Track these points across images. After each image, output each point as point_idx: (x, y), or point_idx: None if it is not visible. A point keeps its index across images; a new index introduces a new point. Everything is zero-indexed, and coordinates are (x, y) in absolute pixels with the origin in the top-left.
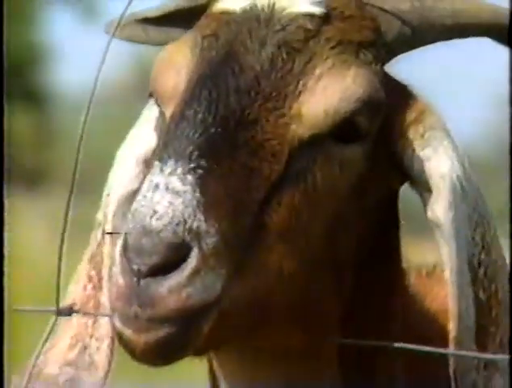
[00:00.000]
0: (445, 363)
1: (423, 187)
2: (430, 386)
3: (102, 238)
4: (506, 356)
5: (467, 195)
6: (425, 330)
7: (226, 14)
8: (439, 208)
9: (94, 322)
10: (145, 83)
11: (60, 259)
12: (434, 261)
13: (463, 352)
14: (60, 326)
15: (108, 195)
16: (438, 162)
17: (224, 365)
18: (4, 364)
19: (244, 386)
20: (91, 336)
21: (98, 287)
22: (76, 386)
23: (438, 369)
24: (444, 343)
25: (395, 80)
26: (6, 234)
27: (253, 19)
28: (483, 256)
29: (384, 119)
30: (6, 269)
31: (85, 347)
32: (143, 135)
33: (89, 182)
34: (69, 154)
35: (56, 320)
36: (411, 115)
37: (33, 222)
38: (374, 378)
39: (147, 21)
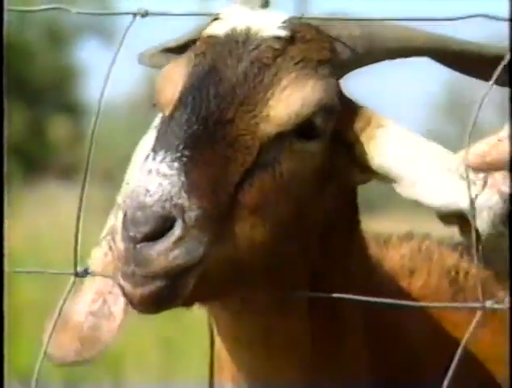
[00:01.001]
0: (403, 313)
1: (388, 177)
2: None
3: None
4: (503, 305)
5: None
6: (386, 287)
7: (212, 38)
8: (408, 183)
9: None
10: (152, 96)
11: (76, 232)
12: (389, 232)
13: (432, 304)
14: (87, 283)
15: (127, 183)
16: (393, 152)
17: (215, 320)
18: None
19: (231, 338)
20: (110, 292)
21: None
22: (97, 332)
23: (390, 319)
24: (401, 297)
25: (344, 94)
26: (5, 225)
27: (232, 41)
28: None
29: (338, 125)
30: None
31: (105, 301)
32: (152, 137)
33: (116, 173)
34: (97, 152)
35: (74, 281)
36: (360, 123)
37: (67, 206)
38: (338, 328)
39: (168, 50)
